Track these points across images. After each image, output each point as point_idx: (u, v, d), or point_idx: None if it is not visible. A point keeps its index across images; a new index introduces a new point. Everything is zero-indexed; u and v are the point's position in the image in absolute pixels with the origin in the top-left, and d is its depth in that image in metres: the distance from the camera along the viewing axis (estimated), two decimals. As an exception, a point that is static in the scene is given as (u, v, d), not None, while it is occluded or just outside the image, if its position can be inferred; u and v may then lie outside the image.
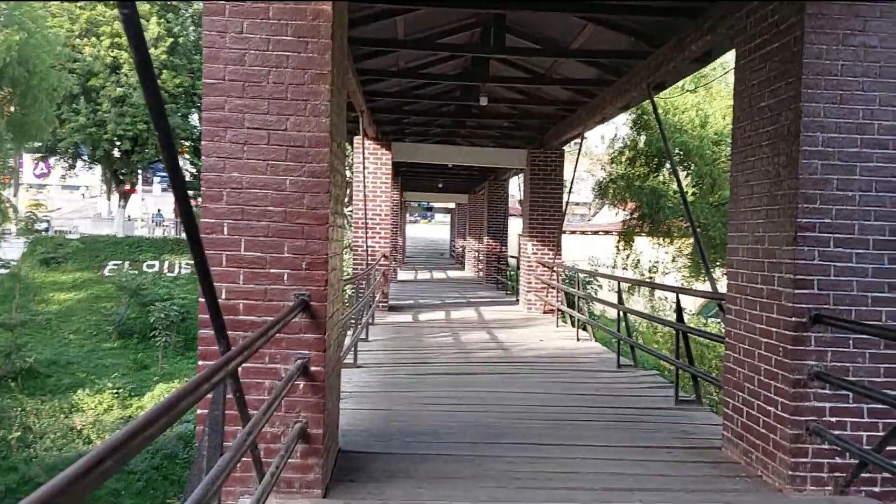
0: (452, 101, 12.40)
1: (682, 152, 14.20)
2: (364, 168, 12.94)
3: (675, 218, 14.71)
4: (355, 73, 9.16)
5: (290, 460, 3.93)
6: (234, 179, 4.04)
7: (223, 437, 3.06)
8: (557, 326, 12.43)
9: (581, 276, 12.25)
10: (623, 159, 16.53)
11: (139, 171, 37.34)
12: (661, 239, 15.62)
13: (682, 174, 15.09)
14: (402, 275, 24.60)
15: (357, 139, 13.41)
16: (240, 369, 4.04)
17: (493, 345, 10.39)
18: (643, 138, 15.05)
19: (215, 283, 3.99)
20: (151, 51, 32.85)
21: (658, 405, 6.85)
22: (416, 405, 6.61)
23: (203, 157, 4.05)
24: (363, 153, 12.33)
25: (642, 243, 17.27)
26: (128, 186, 37.97)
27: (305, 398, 4.08)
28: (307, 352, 4.07)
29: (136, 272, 31.94)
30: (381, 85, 11.18)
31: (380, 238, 13.72)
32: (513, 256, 20.66)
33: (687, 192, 15.23)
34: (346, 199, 26.53)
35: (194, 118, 37.99)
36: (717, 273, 16.02)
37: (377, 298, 12.96)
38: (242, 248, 4.05)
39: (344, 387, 7.06)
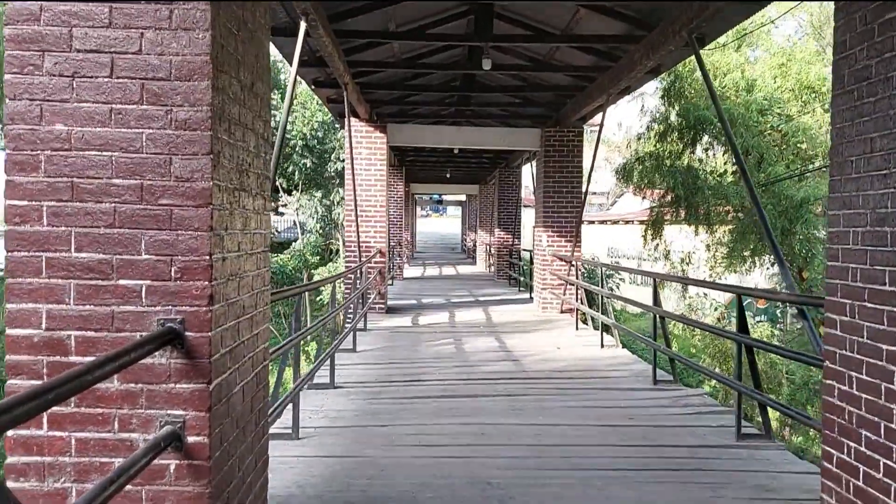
0: (455, 71, 10.82)
1: (721, 124, 12.38)
2: (352, 152, 11.35)
3: (716, 201, 12.89)
4: (331, 34, 7.60)
5: None
6: (57, 135, 2.49)
7: None
8: (577, 329, 10.82)
9: (604, 270, 10.61)
10: (651, 135, 14.69)
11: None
12: (700, 226, 13.80)
13: (721, 149, 13.34)
14: (409, 271, 23.05)
15: (352, 122, 11.90)
16: (73, 440, 2.53)
17: (501, 354, 8.81)
18: (676, 109, 13.23)
19: (27, 304, 2.47)
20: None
21: (715, 441, 5.24)
22: (396, 447, 5.04)
23: (6, 101, 2.50)
24: (350, 136, 10.73)
25: (671, 232, 15.52)
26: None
27: (179, 486, 2.52)
28: (181, 411, 2.51)
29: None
30: (370, 53, 9.60)
31: (374, 232, 12.15)
32: (526, 250, 19.07)
33: (727, 171, 13.44)
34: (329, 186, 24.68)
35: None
36: (764, 265, 14.28)
37: (371, 300, 11.42)
38: (73, 248, 2.50)
39: (308, 420, 5.54)
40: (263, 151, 3.27)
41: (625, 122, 44.32)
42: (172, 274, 2.50)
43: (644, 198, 17.72)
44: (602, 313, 9.37)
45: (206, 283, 2.50)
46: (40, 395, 1.71)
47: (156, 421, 2.49)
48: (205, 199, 2.49)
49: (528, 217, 27.47)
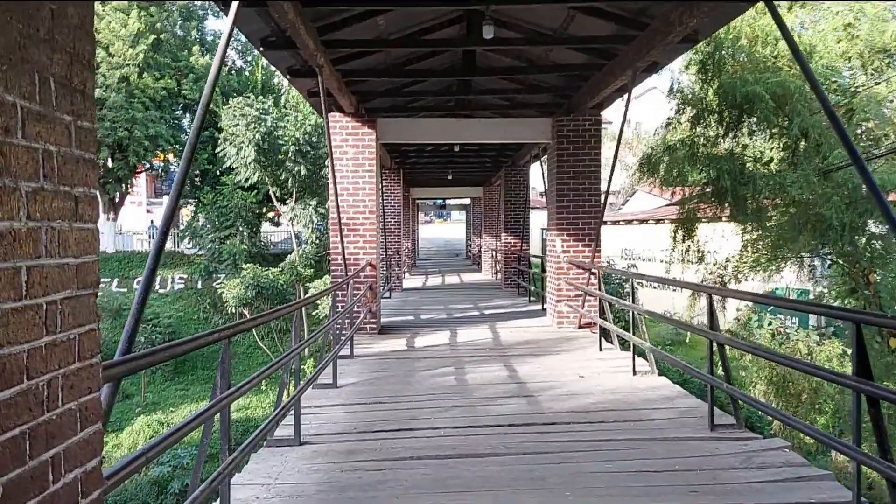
0: (453, 48, 9.34)
1: (773, 101, 10.55)
2: (332, 150, 9.74)
3: (769, 193, 10.96)
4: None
5: None
6: None
7: None
8: (601, 349, 9.21)
9: (634, 281, 8.99)
10: (683, 119, 12.92)
11: (128, 181, 34.23)
12: (749, 224, 11.93)
13: (766, 133, 11.53)
14: (410, 281, 21.43)
15: (336, 116, 10.36)
16: None
17: (513, 388, 7.20)
18: (714, 86, 11.39)
19: None
20: (129, 50, 30.01)
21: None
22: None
23: None
24: (328, 131, 9.14)
25: (704, 232, 13.64)
26: (117, 197, 34.87)
27: None
28: None
29: (125, 290, 29.20)
30: (350, 31, 8.03)
31: (364, 242, 10.58)
32: (536, 256, 17.42)
33: (773, 159, 11.59)
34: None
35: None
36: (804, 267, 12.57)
37: (360, 320, 9.82)
38: None
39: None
40: (69, 111, 1.70)
41: (634, 118, 42.46)
42: None
43: (673, 194, 15.91)
44: (632, 332, 7.78)
45: None
46: None
47: None
48: None
49: (536, 220, 25.86)
